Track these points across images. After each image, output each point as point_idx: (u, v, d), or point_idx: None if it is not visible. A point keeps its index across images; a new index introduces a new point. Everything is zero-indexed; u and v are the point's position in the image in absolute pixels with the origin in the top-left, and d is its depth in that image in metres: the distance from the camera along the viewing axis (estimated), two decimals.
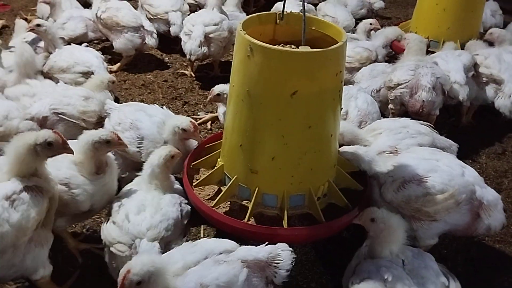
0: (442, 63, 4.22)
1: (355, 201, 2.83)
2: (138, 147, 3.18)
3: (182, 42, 4.74)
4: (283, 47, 2.75)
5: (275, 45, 2.74)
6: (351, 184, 2.97)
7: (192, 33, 4.60)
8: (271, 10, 6.02)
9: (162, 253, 2.40)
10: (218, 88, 3.64)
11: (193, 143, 3.25)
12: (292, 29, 2.80)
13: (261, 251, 2.33)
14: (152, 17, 5.21)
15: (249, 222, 2.65)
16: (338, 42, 2.59)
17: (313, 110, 2.55)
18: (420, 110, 3.85)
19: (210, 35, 4.62)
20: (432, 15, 4.89)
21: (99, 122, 3.44)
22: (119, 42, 4.81)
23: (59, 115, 3.39)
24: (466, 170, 2.83)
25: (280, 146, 2.58)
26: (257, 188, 2.69)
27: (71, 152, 2.50)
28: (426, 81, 3.85)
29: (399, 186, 2.76)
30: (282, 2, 2.81)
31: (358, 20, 6.11)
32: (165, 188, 2.76)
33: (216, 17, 4.73)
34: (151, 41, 4.86)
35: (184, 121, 3.14)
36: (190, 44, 4.56)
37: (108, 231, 2.55)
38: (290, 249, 2.37)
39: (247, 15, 5.70)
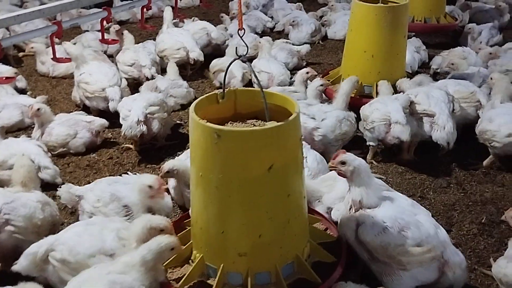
0: (381, 107, 4.43)
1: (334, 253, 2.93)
2: (126, 216, 3.31)
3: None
4: (232, 124, 2.80)
5: (221, 123, 2.78)
6: (325, 237, 3.05)
7: (130, 113, 4.56)
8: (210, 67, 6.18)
9: None
10: (168, 166, 3.63)
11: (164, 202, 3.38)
12: (235, 104, 2.87)
13: None
14: (90, 95, 5.17)
15: None
16: (283, 109, 2.70)
17: (289, 178, 2.62)
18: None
19: (155, 115, 4.61)
20: (362, 62, 5.13)
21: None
22: (77, 145, 4.75)
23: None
24: (439, 230, 2.98)
25: (265, 221, 2.59)
26: (248, 270, 2.65)
27: None
28: None
29: (380, 231, 2.83)
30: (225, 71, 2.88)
31: (292, 71, 6.35)
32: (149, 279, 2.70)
33: (154, 98, 4.75)
34: (99, 122, 4.83)
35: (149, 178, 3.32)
36: (126, 122, 4.52)
37: None
38: None
39: (183, 79, 5.87)
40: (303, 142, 4.06)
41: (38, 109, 4.65)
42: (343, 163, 2.92)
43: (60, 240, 2.94)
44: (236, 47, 2.89)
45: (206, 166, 2.57)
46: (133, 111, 4.56)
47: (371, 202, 2.91)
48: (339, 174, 2.97)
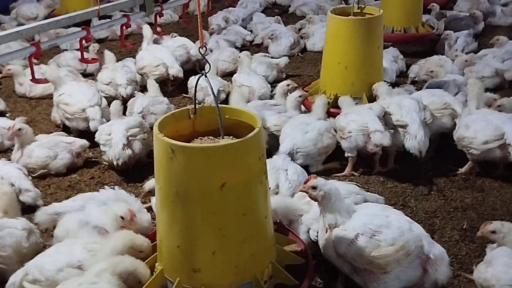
0: (358, 118, 4.46)
1: (300, 276, 2.87)
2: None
3: (103, 155, 4.69)
4: (201, 139, 2.82)
5: (193, 138, 2.82)
6: (292, 260, 3.01)
7: (112, 138, 4.54)
8: (188, 85, 6.19)
9: None
10: (149, 186, 3.67)
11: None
12: (207, 120, 2.89)
13: None
14: (69, 116, 5.14)
15: None
16: (251, 126, 2.70)
17: (244, 197, 2.60)
18: None
19: (137, 137, 4.63)
20: (337, 73, 5.20)
21: None
22: (58, 166, 4.70)
23: None
24: (413, 225, 3.03)
25: (218, 239, 2.59)
26: (203, 287, 2.65)
27: None
28: None
29: (352, 239, 2.89)
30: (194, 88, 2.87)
31: (272, 84, 6.40)
32: None
33: (133, 120, 4.74)
34: (80, 143, 4.80)
35: (122, 208, 3.28)
36: (114, 150, 4.50)
37: None
38: None
39: (164, 95, 5.87)
40: (285, 155, 4.15)
41: (20, 129, 4.61)
42: (314, 187, 2.97)
43: (32, 264, 2.95)
44: (198, 63, 2.92)
45: (164, 180, 2.61)
46: (114, 136, 4.55)
47: (345, 221, 2.97)
48: (311, 198, 3.02)
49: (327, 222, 2.97)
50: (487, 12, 8.94)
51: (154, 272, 2.89)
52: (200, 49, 2.74)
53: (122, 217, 3.25)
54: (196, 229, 2.59)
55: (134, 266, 2.77)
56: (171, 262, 2.74)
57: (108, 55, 6.36)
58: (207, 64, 2.74)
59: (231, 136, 2.77)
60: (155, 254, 2.95)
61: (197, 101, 2.92)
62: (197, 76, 2.81)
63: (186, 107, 2.91)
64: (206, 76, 2.69)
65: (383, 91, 4.88)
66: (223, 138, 2.70)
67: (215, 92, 5.56)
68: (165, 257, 2.79)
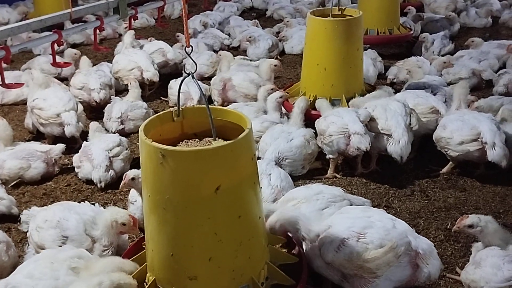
0: (337, 120, 4.40)
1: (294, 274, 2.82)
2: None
3: (79, 170, 4.55)
4: (187, 142, 2.73)
5: (178, 141, 2.72)
6: (286, 259, 2.96)
7: (94, 159, 4.40)
8: (168, 90, 6.08)
9: None
10: (133, 172, 3.54)
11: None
12: (191, 122, 2.79)
13: None
14: (44, 122, 4.97)
15: None
16: (239, 126, 2.61)
17: (239, 199, 2.53)
18: None
19: (120, 156, 4.51)
20: (316, 75, 5.15)
21: None
22: (32, 175, 4.55)
23: None
24: (396, 222, 2.98)
25: (214, 244, 2.50)
26: None
27: None
28: None
29: (339, 245, 2.82)
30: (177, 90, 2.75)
31: None
32: None
33: (112, 141, 4.58)
34: (58, 149, 4.66)
35: (122, 215, 3.20)
36: (97, 172, 4.37)
37: None
38: None
39: (143, 100, 5.75)
40: (269, 160, 4.08)
41: None
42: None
43: (11, 284, 2.71)
44: (184, 65, 2.83)
45: (154, 187, 2.50)
46: (96, 157, 4.41)
47: (315, 230, 2.93)
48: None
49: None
50: (462, 14, 9.08)
51: (145, 283, 2.76)
52: (186, 49, 2.64)
53: (123, 224, 3.18)
54: (191, 235, 2.49)
55: (122, 280, 2.62)
56: (165, 272, 2.62)
57: (84, 60, 6.21)
58: (193, 65, 2.64)
59: (218, 138, 2.68)
60: (144, 264, 2.81)
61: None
62: (181, 77, 2.71)
63: (169, 109, 2.79)
64: (193, 77, 2.57)
65: (361, 104, 4.79)
66: (215, 140, 2.60)
67: (197, 98, 5.51)
68: (157, 267, 2.66)
